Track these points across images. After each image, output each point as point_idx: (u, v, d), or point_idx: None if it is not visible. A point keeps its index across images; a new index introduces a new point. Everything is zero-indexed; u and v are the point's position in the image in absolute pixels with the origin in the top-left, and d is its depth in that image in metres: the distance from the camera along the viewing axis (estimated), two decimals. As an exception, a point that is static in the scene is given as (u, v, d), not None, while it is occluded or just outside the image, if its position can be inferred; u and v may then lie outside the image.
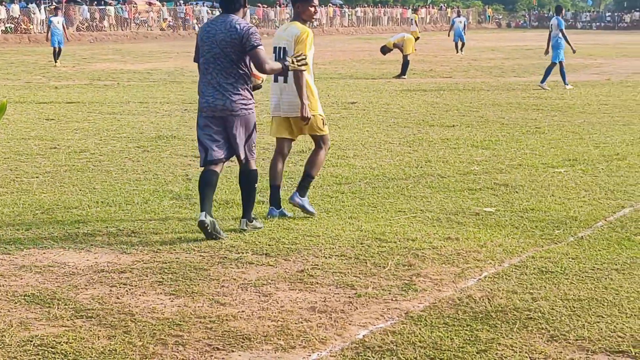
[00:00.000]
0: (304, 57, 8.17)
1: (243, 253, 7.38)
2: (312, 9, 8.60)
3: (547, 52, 24.15)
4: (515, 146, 13.31)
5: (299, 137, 9.14)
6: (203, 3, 77.91)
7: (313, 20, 8.95)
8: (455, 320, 5.78)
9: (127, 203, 9.34)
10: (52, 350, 5.27)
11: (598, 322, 5.72)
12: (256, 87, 8.25)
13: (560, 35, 23.49)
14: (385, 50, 28.06)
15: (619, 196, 9.67)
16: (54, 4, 59.02)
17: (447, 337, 5.47)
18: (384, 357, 5.18)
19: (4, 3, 55.47)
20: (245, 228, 8.09)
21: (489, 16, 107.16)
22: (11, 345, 5.34)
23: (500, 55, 41.38)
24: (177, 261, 7.14)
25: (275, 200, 8.72)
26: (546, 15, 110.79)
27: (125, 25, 66.27)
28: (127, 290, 6.43)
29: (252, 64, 7.95)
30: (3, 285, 6.53)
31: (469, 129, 15.38)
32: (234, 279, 6.69)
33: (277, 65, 8.05)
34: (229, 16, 7.95)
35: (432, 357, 5.17)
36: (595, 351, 5.27)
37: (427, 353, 5.23)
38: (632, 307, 6.02)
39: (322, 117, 8.71)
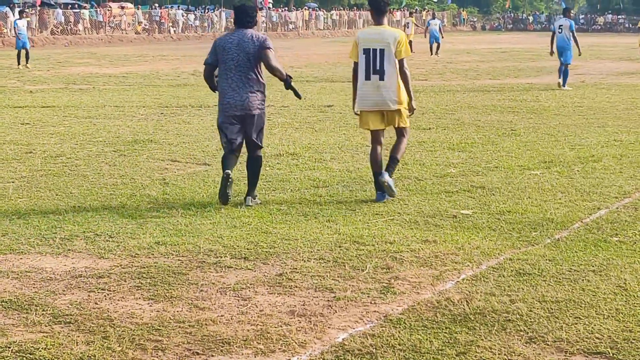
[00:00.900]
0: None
1: (222, 257, 7.37)
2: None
3: (552, 53, 24.43)
4: (491, 148, 13.36)
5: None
6: (178, 6, 77.76)
7: None
8: (434, 322, 5.80)
9: (104, 207, 9.31)
10: (31, 356, 5.25)
11: (576, 324, 5.76)
12: (287, 83, 9.62)
13: (571, 36, 23.87)
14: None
15: (594, 198, 9.73)
16: (18, 7, 58.72)
17: (426, 339, 5.49)
18: (363, 360, 5.19)
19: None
20: (250, 204, 9.29)
21: (463, 19, 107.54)
22: (-11, 351, 5.31)
23: (475, 57, 41.54)
24: (155, 265, 7.13)
25: (380, 186, 9.59)
26: (520, 17, 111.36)
27: (100, 28, 66.00)
28: (105, 296, 6.42)
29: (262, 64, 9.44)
30: (-20, 291, 6.50)
31: (445, 131, 15.43)
32: (213, 283, 6.69)
33: (282, 68, 9.50)
34: (247, 30, 9.45)
35: (411, 360, 5.19)
36: (574, 352, 5.31)
37: (407, 356, 5.25)
38: (609, 308, 6.07)
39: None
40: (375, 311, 6.07)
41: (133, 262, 7.24)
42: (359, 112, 9.85)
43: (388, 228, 8.40)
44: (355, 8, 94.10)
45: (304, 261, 7.26)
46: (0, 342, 5.46)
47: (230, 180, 9.23)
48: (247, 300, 6.31)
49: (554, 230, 8.29)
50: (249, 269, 7.06)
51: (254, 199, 9.47)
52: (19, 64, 33.93)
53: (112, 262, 7.28)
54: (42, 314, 6.00)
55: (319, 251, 7.56)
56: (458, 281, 6.72)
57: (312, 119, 17.34)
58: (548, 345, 5.42)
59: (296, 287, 6.61)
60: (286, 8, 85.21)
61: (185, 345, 5.46)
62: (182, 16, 71.59)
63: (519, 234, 8.17)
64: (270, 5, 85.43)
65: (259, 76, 9.40)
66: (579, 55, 25.41)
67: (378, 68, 9.55)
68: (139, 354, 5.30)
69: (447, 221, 8.70)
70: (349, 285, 6.64)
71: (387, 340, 5.49)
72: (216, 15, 73.84)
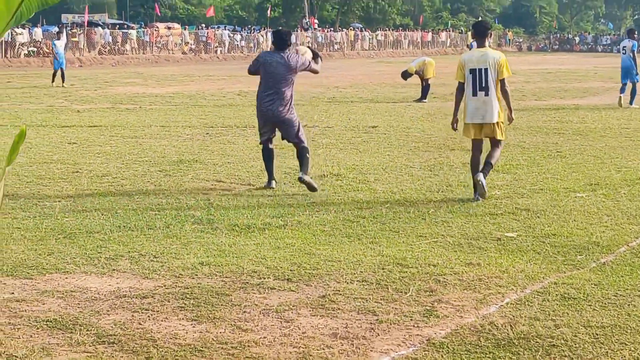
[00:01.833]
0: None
1: (265, 278, 7.39)
2: None
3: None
4: (536, 170, 13.28)
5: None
6: (225, 27, 78.23)
7: None
8: (478, 347, 5.77)
9: (149, 227, 9.37)
10: (75, 376, 5.29)
11: (621, 350, 5.69)
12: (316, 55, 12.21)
13: (632, 56, 24.40)
14: (406, 75, 28.09)
15: (641, 221, 9.62)
16: (66, 27, 59.52)
17: (469, 364, 5.45)
18: (405, 385, 5.17)
19: (26, 27, 55.84)
20: (303, 177, 11.22)
21: (509, 39, 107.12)
22: (34, 370, 5.36)
23: (520, 78, 41.29)
24: (199, 286, 7.16)
25: (475, 185, 10.87)
26: (566, 38, 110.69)
27: (147, 48, 66.66)
28: (149, 316, 6.45)
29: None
30: (25, 311, 6.57)
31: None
32: (256, 305, 6.70)
33: (318, 65, 12.04)
34: (285, 52, 11.58)
35: (454, 385, 5.16)
36: (619, 379, 5.24)
37: (449, 380, 5.22)
38: (655, 334, 5.99)
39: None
40: (418, 335, 6.05)
41: (177, 283, 7.28)
42: (455, 126, 11.37)
43: (432, 250, 8.37)
44: (400, 29, 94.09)
45: (347, 283, 7.25)
46: (45, 362, 5.51)
47: (274, 188, 11.63)
48: (290, 322, 6.31)
49: (599, 254, 8.21)
50: (291, 291, 7.07)
51: (307, 174, 11.32)
52: (53, 81, 34.72)
53: (156, 282, 7.32)
54: (87, 333, 6.05)
55: (362, 273, 7.55)
56: (502, 305, 6.67)
57: (357, 139, 17.35)
58: (593, 371, 5.36)
59: (339, 309, 6.60)
60: (332, 28, 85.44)
61: (228, 366, 5.47)
62: (229, 37, 72.07)
63: (564, 258, 8.10)
64: (316, 26, 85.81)
65: (291, 88, 11.55)
66: (636, 74, 25.24)
67: (484, 85, 10.93)
68: (182, 375, 5.32)
69: (491, 244, 8.65)
70: (392, 308, 6.62)
71: (430, 364, 5.46)
72: (262, 36, 74.23)
